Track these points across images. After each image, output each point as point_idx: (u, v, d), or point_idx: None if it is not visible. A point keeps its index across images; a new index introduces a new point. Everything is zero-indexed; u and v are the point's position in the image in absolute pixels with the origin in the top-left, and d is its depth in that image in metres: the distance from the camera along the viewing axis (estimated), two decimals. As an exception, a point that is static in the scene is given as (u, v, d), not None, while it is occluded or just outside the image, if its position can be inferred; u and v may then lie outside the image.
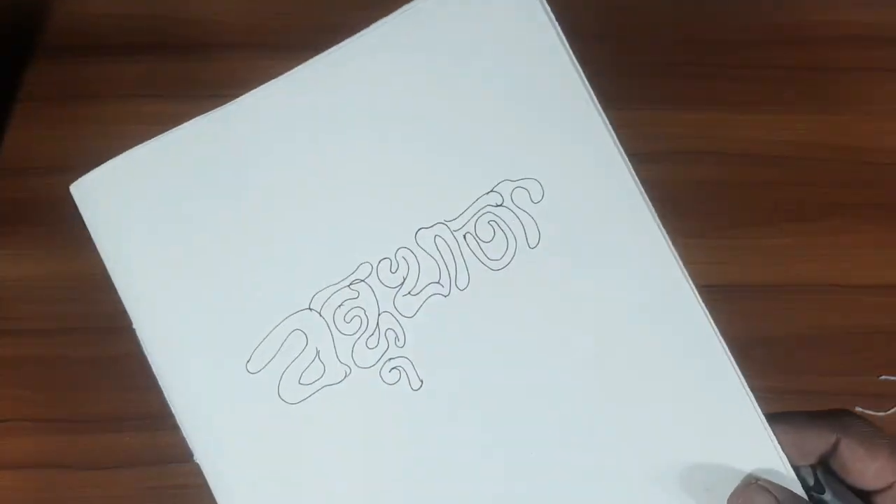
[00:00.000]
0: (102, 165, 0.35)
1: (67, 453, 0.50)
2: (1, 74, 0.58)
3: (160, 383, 0.34)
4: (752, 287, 0.55)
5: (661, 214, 0.57)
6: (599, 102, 0.46)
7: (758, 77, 0.60)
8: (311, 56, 0.60)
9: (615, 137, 0.33)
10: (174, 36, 0.59)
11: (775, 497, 0.30)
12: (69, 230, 0.54)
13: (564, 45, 0.34)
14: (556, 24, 0.34)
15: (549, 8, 0.34)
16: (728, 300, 0.54)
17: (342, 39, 0.60)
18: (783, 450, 0.31)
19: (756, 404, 0.32)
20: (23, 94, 0.58)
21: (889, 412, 0.52)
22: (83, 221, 0.55)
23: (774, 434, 0.31)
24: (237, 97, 0.59)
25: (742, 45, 0.61)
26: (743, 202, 0.57)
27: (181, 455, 0.49)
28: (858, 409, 0.52)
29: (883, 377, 0.53)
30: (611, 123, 0.49)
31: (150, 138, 0.57)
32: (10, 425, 0.50)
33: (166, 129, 0.56)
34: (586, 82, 0.34)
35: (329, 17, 0.61)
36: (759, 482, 0.31)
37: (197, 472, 0.49)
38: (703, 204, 0.57)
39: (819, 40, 0.61)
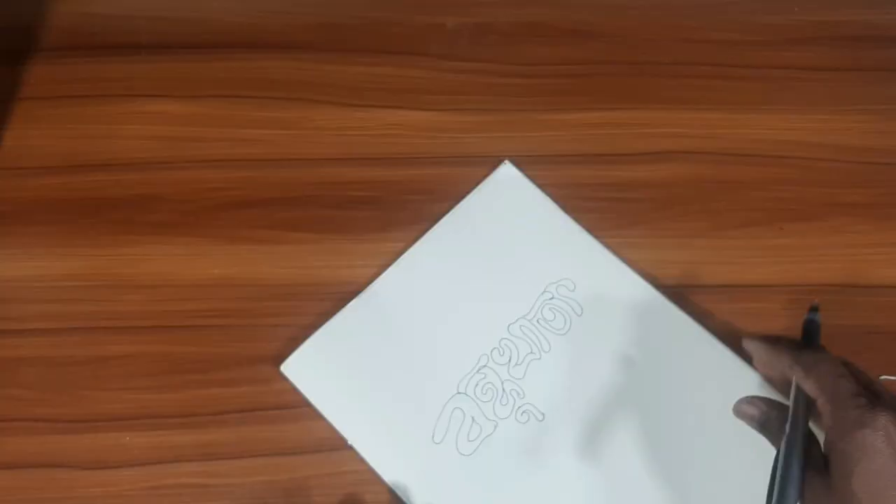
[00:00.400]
0: (303, 344, 0.51)
1: (68, 453, 0.50)
2: (1, 74, 0.58)
3: (378, 472, 0.49)
4: (752, 287, 0.55)
5: (661, 215, 0.58)
6: (602, 103, 0.59)
7: (757, 77, 0.60)
8: (312, 56, 0.61)
9: (608, 249, 0.54)
10: (176, 36, 0.59)
11: (761, 402, 0.42)
12: (69, 230, 0.55)
13: (552, 201, 0.56)
14: (560, 208, 0.55)
15: (550, 199, 0.56)
16: (728, 300, 0.54)
17: (342, 40, 0.60)
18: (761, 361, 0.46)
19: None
20: (23, 94, 0.58)
21: (889, 412, 0.52)
22: (85, 222, 0.55)
23: (755, 347, 0.48)
24: (238, 97, 0.59)
25: (742, 46, 0.61)
26: (743, 202, 0.57)
27: (181, 455, 0.50)
28: (858, 409, 0.52)
29: (883, 377, 0.53)
30: (612, 124, 0.59)
31: (151, 138, 0.58)
32: (10, 425, 0.50)
33: (168, 129, 0.57)
34: (581, 226, 0.55)
35: (330, 17, 0.61)
36: (748, 396, 0.43)
37: (194, 472, 0.49)
38: (703, 204, 0.57)
39: (818, 41, 0.61)
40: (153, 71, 0.59)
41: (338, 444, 0.50)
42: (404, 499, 0.48)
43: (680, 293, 0.54)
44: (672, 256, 0.55)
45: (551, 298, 0.53)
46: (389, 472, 0.49)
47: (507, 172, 0.56)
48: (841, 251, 0.56)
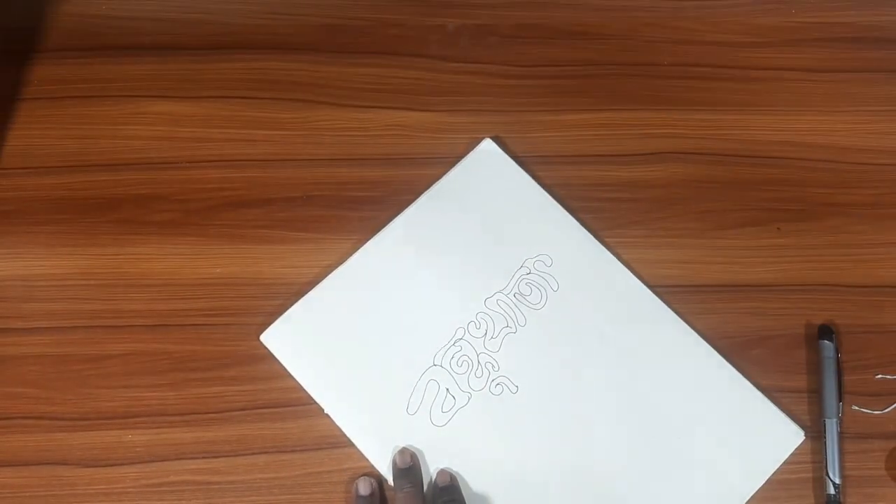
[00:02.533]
0: (283, 315, 0.52)
1: (70, 450, 0.50)
2: (4, 75, 0.58)
3: (353, 440, 0.50)
4: (752, 287, 0.55)
5: (660, 215, 0.58)
6: (601, 104, 0.60)
7: (756, 78, 0.60)
8: (312, 57, 0.61)
9: (584, 225, 0.55)
10: (178, 37, 0.60)
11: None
12: (71, 229, 0.55)
13: (532, 178, 0.56)
14: (538, 184, 0.56)
15: (539, 183, 0.56)
16: (727, 300, 0.54)
17: (343, 41, 0.60)
18: None
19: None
20: (26, 94, 0.58)
21: (886, 410, 0.52)
22: (87, 222, 0.55)
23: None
24: (239, 98, 0.60)
25: (740, 47, 0.61)
26: (743, 202, 0.57)
27: (183, 452, 0.50)
28: (855, 407, 0.52)
29: (879, 376, 0.53)
30: (612, 124, 0.60)
31: (153, 138, 0.58)
32: (12, 423, 0.50)
33: (170, 129, 0.57)
34: (563, 206, 0.56)
35: (330, 18, 0.61)
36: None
37: (196, 470, 0.50)
38: (703, 204, 0.57)
39: (816, 42, 0.62)
40: (155, 72, 0.59)
41: (339, 442, 0.50)
42: (378, 469, 0.50)
43: (679, 293, 0.54)
44: (671, 256, 0.55)
45: (528, 273, 0.54)
46: (364, 441, 0.50)
47: (487, 148, 0.57)
48: (839, 251, 0.56)
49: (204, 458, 0.50)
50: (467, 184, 0.56)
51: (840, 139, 0.59)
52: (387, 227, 0.54)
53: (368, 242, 0.54)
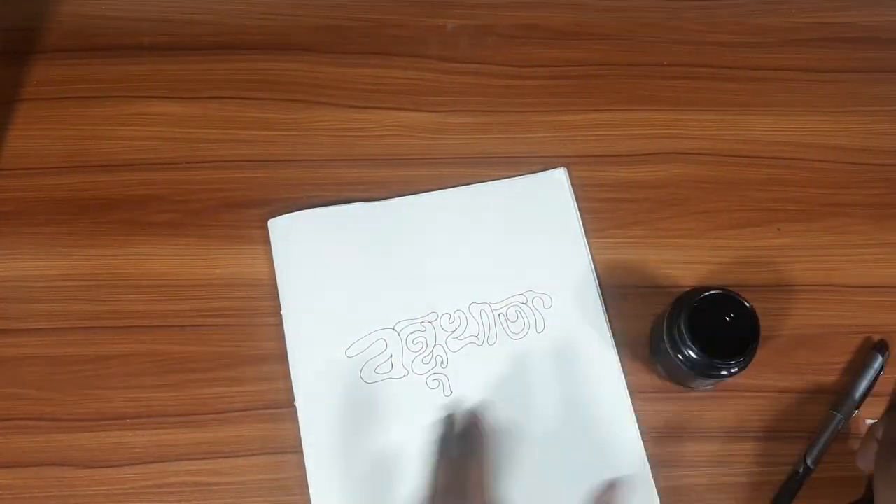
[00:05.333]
0: (299, 212, 0.54)
1: (70, 452, 0.50)
2: (4, 75, 0.58)
3: (287, 347, 0.51)
4: (752, 287, 0.55)
5: (660, 215, 0.58)
6: (601, 104, 0.59)
7: (756, 78, 0.60)
8: (312, 58, 0.61)
9: (598, 284, 0.54)
10: (178, 38, 0.60)
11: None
12: (70, 230, 0.55)
13: (579, 221, 0.55)
14: (578, 208, 0.56)
15: (575, 200, 0.56)
16: (727, 300, 0.54)
17: (343, 42, 0.60)
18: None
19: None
20: (25, 94, 0.58)
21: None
22: (86, 222, 0.55)
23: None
24: (238, 98, 0.59)
25: (740, 47, 0.61)
26: (743, 202, 0.57)
27: (183, 453, 0.50)
28: (856, 410, 0.52)
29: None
30: (612, 124, 0.60)
31: (153, 139, 0.58)
32: (12, 424, 0.50)
33: (170, 129, 0.57)
34: (589, 248, 0.55)
35: (330, 19, 0.61)
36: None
37: (196, 471, 0.49)
38: (703, 204, 0.57)
39: (816, 42, 0.62)
40: (155, 72, 0.59)
41: (338, 443, 0.50)
42: (294, 383, 0.51)
43: (679, 293, 0.54)
44: (671, 256, 0.55)
45: (524, 304, 0.53)
46: (295, 355, 0.51)
47: (557, 175, 0.57)
48: (840, 251, 0.56)
49: (204, 458, 0.50)
50: (524, 195, 0.56)
51: (840, 139, 0.59)
52: (432, 192, 0.55)
53: (407, 196, 0.55)
